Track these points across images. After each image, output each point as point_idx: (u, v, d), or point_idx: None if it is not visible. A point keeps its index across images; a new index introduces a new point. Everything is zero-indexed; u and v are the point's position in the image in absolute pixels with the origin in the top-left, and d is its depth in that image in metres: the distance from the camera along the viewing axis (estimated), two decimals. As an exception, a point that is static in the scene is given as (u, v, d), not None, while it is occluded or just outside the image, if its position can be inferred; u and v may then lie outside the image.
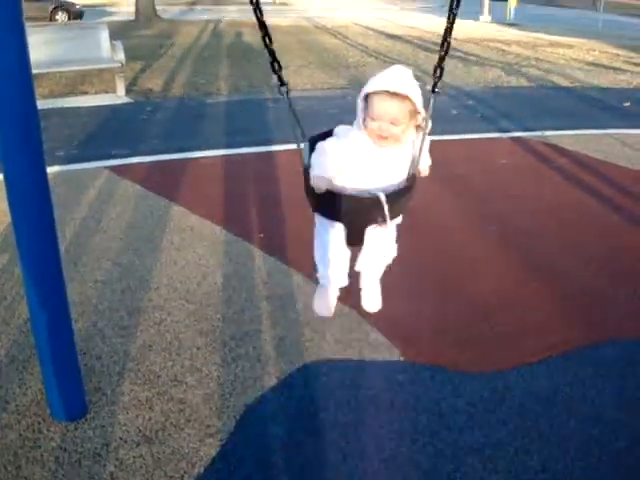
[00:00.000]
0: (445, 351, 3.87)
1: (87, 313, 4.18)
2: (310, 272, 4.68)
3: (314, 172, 2.58)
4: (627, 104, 11.19)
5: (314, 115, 9.43)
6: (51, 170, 6.62)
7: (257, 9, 2.60)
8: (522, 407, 3.38)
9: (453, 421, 3.28)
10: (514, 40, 21.40)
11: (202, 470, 2.94)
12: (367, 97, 2.58)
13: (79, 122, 9.16)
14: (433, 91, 2.61)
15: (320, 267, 2.91)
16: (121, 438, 3.12)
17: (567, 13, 38.98)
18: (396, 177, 2.66)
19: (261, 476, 2.93)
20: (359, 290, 2.97)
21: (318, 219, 2.82)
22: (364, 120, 2.60)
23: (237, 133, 8.57)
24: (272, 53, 2.66)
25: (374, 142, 2.60)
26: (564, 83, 13.27)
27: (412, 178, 2.68)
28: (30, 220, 2.91)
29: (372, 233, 2.70)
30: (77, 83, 11.86)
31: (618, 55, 18.23)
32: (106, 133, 8.67)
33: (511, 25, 28.00)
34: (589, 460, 3.04)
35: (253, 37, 18.60)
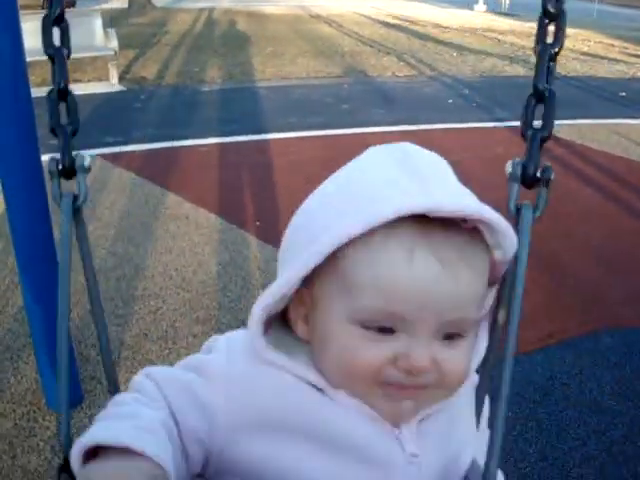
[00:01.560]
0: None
1: (82, 302, 4.14)
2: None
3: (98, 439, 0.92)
4: (623, 94, 11.18)
5: (310, 104, 9.41)
6: (44, 158, 6.57)
7: None
8: (520, 396, 3.38)
9: (451, 410, 3.27)
10: (509, 30, 21.35)
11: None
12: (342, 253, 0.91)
13: (73, 110, 9.09)
14: (533, 183, 1.24)
15: None
16: (117, 427, 3.10)
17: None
18: None
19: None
20: None
21: None
22: (298, 309, 1.02)
23: (231, 121, 8.52)
24: None
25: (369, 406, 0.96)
26: (559, 73, 13.24)
27: None
28: (24, 208, 2.89)
29: None
30: (70, 71, 11.64)
31: (613, 45, 18.21)
32: (99, 121, 8.61)
33: (506, 15, 27.92)
34: (587, 449, 3.04)
35: (247, 25, 18.54)
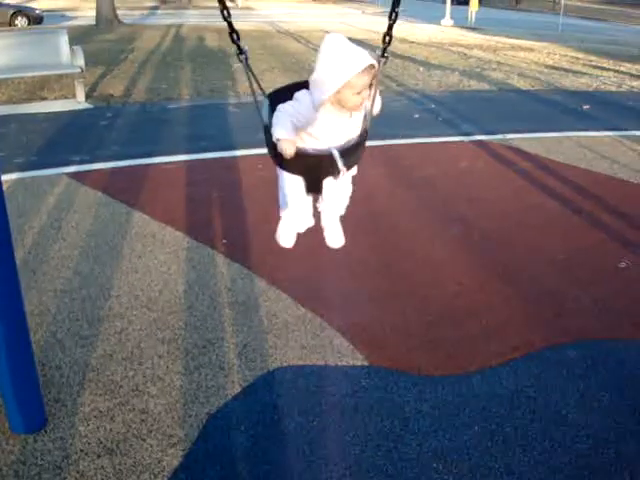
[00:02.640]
0: (409, 355, 3.87)
1: (46, 323, 4.10)
2: (274, 278, 4.67)
3: (278, 135, 2.70)
4: (587, 107, 11.32)
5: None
6: (9, 177, 6.52)
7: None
8: (486, 410, 3.39)
9: (417, 425, 3.28)
10: (475, 44, 21.57)
11: (164, 481, 2.90)
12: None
13: (38, 128, 9.02)
14: (383, 55, 2.76)
15: (283, 208, 3.15)
16: (82, 450, 3.06)
17: (528, 17, 39.44)
18: (351, 134, 2.86)
19: (225, 486, 2.90)
20: (322, 230, 3.21)
21: (280, 172, 2.99)
22: (326, 98, 2.74)
23: (199, 138, 8.50)
24: (230, 24, 2.72)
25: (342, 111, 2.79)
26: (525, 86, 13.39)
27: (364, 133, 2.86)
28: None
29: (329, 184, 2.92)
30: (36, 89, 11.70)
31: (578, 58, 18.45)
32: (66, 139, 8.56)
33: (473, 29, 28.21)
34: (553, 462, 3.05)
35: (215, 42, 18.53)
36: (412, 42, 20.52)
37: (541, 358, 3.86)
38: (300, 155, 2.72)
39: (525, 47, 20.88)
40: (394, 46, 19.01)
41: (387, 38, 2.75)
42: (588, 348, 3.98)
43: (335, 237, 3.23)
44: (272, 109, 2.86)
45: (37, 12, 27.29)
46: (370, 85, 2.75)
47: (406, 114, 10.16)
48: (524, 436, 3.21)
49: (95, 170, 7.14)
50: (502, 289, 4.68)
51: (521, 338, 4.05)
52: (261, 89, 2.96)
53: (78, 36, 17.97)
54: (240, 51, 2.80)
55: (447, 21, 30.43)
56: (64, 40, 11.09)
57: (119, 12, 26.59)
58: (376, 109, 2.90)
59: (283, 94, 2.92)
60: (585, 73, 15.54)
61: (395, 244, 5.31)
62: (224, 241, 5.31)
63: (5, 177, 2.77)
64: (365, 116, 2.84)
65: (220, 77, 13.08)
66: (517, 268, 5.00)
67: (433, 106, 11.20)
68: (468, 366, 3.76)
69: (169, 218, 5.74)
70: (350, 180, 3.09)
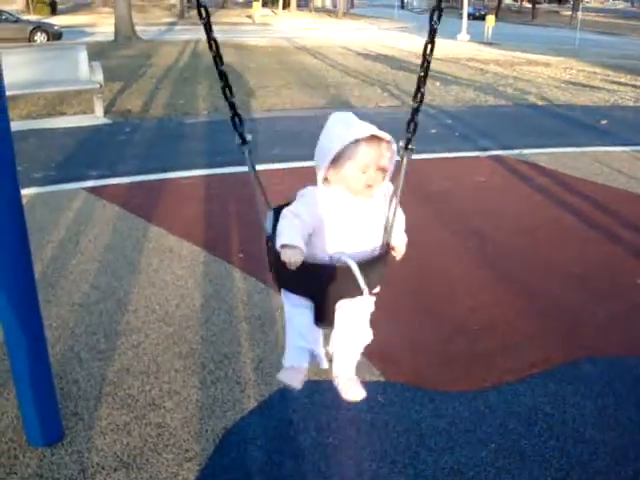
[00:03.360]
0: (425, 371, 3.86)
1: (64, 337, 4.13)
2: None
3: (282, 242, 2.26)
4: (604, 122, 11.29)
5: (294, 135, 9.47)
6: (28, 192, 6.58)
7: (217, 57, 2.33)
8: (503, 427, 3.37)
9: (434, 442, 3.26)
10: (492, 59, 21.60)
11: (180, 495, 2.91)
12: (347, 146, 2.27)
13: (57, 143, 9.11)
14: (406, 148, 2.32)
15: (290, 358, 2.56)
16: (98, 464, 3.07)
17: (544, 31, 39.43)
18: (370, 237, 2.40)
19: (240, 501, 2.90)
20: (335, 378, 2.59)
21: (287, 299, 2.50)
22: (330, 175, 2.33)
23: (216, 153, 8.55)
24: (232, 106, 2.37)
25: (356, 194, 2.33)
26: (542, 102, 13.39)
27: (385, 245, 2.44)
28: (4, 243, 2.88)
29: (345, 309, 2.42)
30: (55, 104, 11.82)
31: (595, 73, 18.44)
32: (84, 154, 8.63)
33: (489, 44, 28.28)
34: None
35: (232, 57, 18.64)
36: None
37: (558, 374, 3.83)
38: (308, 267, 2.26)
39: (542, 62, 20.89)
40: (410, 61, 19.09)
41: (412, 125, 2.30)
42: (605, 364, 3.95)
43: (352, 389, 2.54)
44: (277, 220, 2.43)
45: (56, 28, 27.65)
46: (384, 172, 2.33)
47: (423, 129, 10.14)
48: (541, 453, 3.19)
49: (113, 185, 7.20)
50: (518, 304, 4.66)
51: (538, 354, 4.03)
52: (266, 200, 2.59)
53: (97, 52, 18.15)
54: (243, 141, 2.40)
55: (463, 36, 30.54)
56: (83, 56, 11.22)
57: (137, 28, 26.87)
58: (398, 240, 2.56)
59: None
60: (602, 88, 15.52)
61: (410, 258, 5.29)
62: (240, 255, 5.33)
63: (24, 192, 2.80)
64: (387, 223, 2.40)
65: (237, 92, 13.14)
66: (533, 283, 4.99)
67: (450, 121, 11.22)
68: (484, 382, 3.75)
69: (186, 232, 5.77)
70: (368, 318, 2.54)
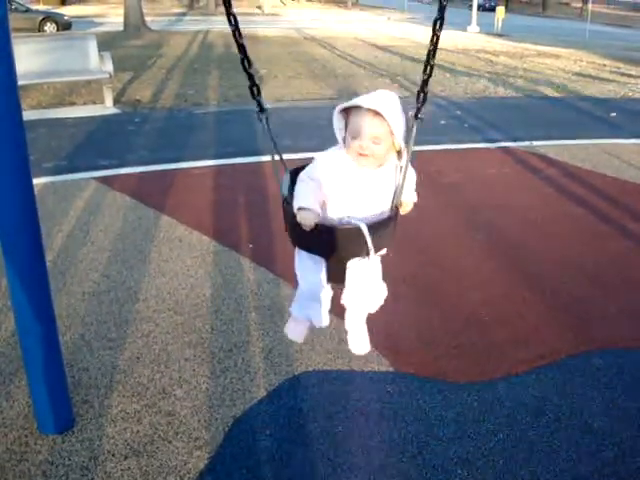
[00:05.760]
0: (434, 361, 3.87)
1: (75, 325, 4.15)
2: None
3: (299, 204, 2.42)
4: (614, 114, 11.25)
5: (303, 125, 9.46)
6: (39, 181, 6.60)
7: (236, 31, 2.45)
8: (511, 417, 3.38)
9: (442, 432, 3.27)
10: (502, 50, 21.52)
11: (190, 483, 2.93)
12: (346, 114, 2.50)
13: (67, 133, 9.13)
14: (416, 117, 2.44)
15: (296, 307, 2.86)
16: (109, 451, 3.10)
17: (554, 23, 39.23)
18: (378, 203, 2.52)
19: (250, 489, 2.92)
20: (345, 331, 2.84)
21: (299, 256, 2.67)
22: (344, 138, 2.51)
23: (226, 143, 8.56)
24: (251, 77, 2.51)
25: (355, 161, 2.47)
26: (552, 93, 13.34)
27: (395, 209, 2.55)
28: (16, 232, 2.89)
29: (355, 268, 2.56)
30: (65, 94, 11.84)
31: (605, 65, 18.35)
32: (94, 144, 8.65)
33: (499, 35, 28.18)
34: (578, 471, 3.03)
35: (242, 48, 18.57)
36: (438, 48, 20.43)
37: (567, 366, 3.84)
38: (321, 229, 2.42)
39: (552, 54, 20.81)
40: (419, 52, 19.03)
41: (421, 96, 2.43)
42: (614, 356, 3.95)
43: (359, 342, 2.81)
44: (293, 183, 2.58)
45: (65, 18, 27.65)
46: (398, 152, 2.50)
47: (432, 120, 10.14)
48: (549, 444, 3.20)
49: (123, 174, 7.22)
50: (528, 296, 4.66)
51: (547, 346, 4.03)
52: (283, 163, 2.71)
53: (106, 42, 18.15)
54: (261, 108, 2.55)
55: (473, 27, 30.41)
56: (93, 46, 11.21)
57: (147, 18, 26.86)
58: (407, 197, 2.63)
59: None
60: (612, 80, 15.45)
61: (421, 250, 5.31)
62: (250, 245, 5.35)
63: (35, 181, 2.81)
64: (396, 189, 2.52)
65: (247, 83, 13.12)
66: (543, 275, 4.98)
67: (459, 112, 11.19)
68: (493, 373, 3.75)
69: (196, 222, 5.79)
70: (380, 274, 2.68)
